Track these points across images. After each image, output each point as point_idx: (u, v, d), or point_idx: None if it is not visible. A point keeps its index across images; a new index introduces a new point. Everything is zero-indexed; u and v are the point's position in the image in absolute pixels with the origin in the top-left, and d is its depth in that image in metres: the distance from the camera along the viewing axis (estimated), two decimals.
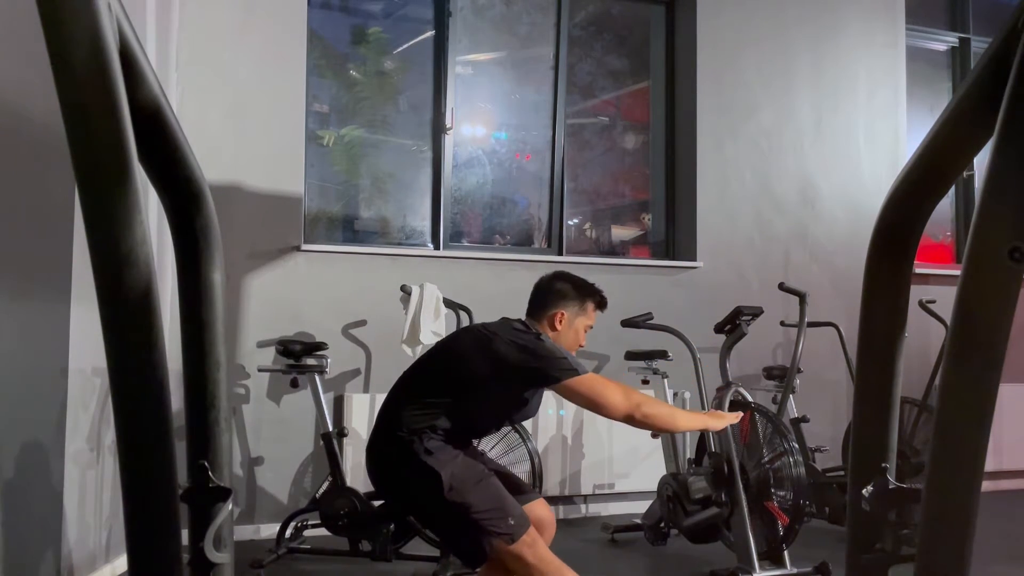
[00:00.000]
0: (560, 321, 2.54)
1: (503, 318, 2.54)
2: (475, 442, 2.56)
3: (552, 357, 2.33)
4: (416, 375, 2.45)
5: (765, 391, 4.34)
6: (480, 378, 2.34)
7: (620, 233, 5.17)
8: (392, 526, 3.33)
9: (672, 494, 3.48)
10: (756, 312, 3.44)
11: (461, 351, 2.42)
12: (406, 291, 3.80)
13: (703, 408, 3.63)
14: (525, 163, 4.92)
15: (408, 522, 3.44)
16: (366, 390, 4.11)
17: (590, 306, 2.60)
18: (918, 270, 5.01)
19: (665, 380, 3.85)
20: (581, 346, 2.62)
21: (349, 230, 4.51)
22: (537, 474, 3.84)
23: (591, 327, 2.64)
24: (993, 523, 4.04)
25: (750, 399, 3.49)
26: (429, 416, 2.30)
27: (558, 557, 2.28)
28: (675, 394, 4.03)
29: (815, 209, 5.07)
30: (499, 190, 4.85)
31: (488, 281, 4.30)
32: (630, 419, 2.35)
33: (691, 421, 2.59)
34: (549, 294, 2.58)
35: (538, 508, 2.44)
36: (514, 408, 2.47)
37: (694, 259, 4.76)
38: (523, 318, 2.56)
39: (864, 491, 1.00)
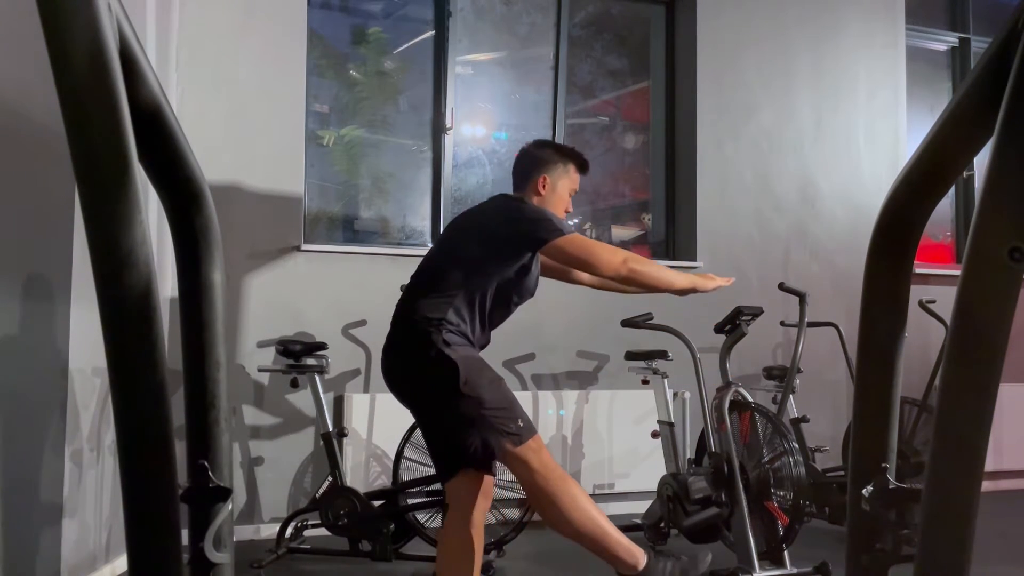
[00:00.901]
0: (543, 185, 2.60)
1: (492, 197, 2.62)
2: (489, 336, 2.57)
3: (536, 219, 2.38)
4: (424, 269, 2.50)
5: (765, 391, 4.33)
6: (476, 256, 2.39)
7: (620, 233, 5.17)
8: (392, 526, 3.33)
9: (672, 494, 3.48)
10: (756, 312, 3.44)
11: (454, 236, 2.50)
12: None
13: (704, 409, 3.63)
14: None
15: (408, 522, 3.44)
16: (366, 390, 4.11)
17: (572, 167, 2.65)
18: (918, 270, 5.01)
19: (665, 380, 3.85)
20: (568, 212, 2.67)
21: (349, 230, 4.51)
22: None
23: (575, 191, 2.68)
24: (993, 523, 4.04)
25: (750, 399, 3.49)
26: (442, 305, 2.34)
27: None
28: (675, 394, 4.02)
29: (815, 209, 5.07)
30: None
31: None
32: (619, 274, 2.40)
33: (680, 279, 2.58)
34: (531, 161, 2.64)
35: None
36: (515, 282, 2.48)
37: (694, 259, 4.76)
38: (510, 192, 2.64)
39: (864, 491, 1.00)
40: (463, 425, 2.30)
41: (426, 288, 2.41)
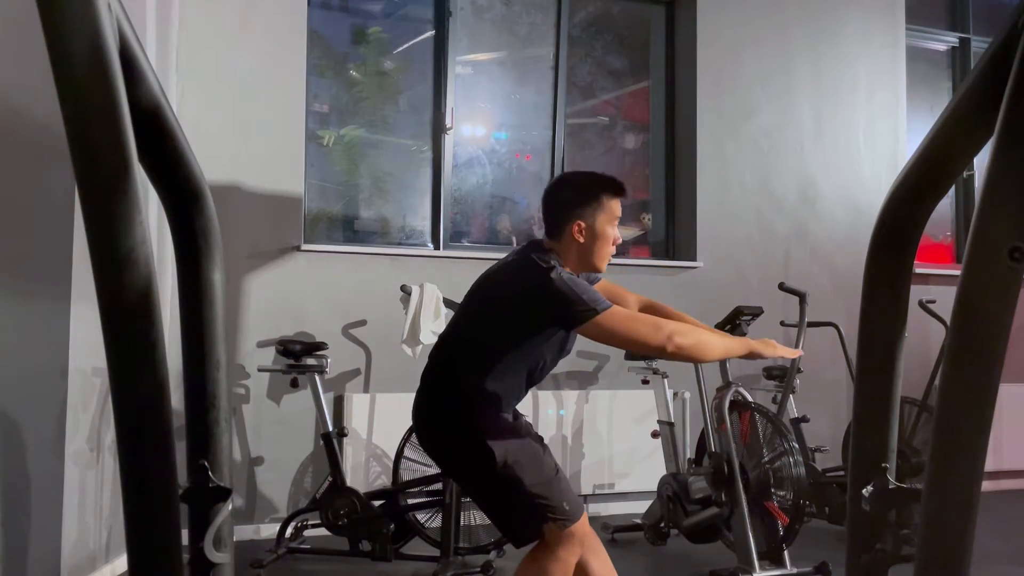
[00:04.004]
0: (580, 233, 2.26)
1: (521, 250, 2.31)
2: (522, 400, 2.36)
3: (567, 299, 2.09)
4: (454, 340, 2.30)
5: (765, 391, 4.33)
6: (509, 332, 2.19)
7: (620, 233, 5.16)
8: (392, 526, 3.33)
9: (672, 494, 3.48)
10: (756, 312, 3.44)
11: (483, 307, 2.27)
12: (406, 291, 3.79)
13: (704, 409, 3.63)
14: (525, 163, 4.92)
15: (408, 522, 3.44)
16: (366, 390, 4.11)
17: (605, 199, 2.28)
18: (918, 270, 5.01)
19: (665, 380, 3.85)
20: (617, 242, 2.33)
21: (349, 230, 4.51)
22: None
23: (618, 218, 2.33)
24: (993, 523, 4.04)
25: (750, 399, 3.49)
26: (477, 383, 2.17)
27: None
28: (675, 394, 4.02)
29: (815, 209, 5.07)
30: (499, 190, 4.85)
31: None
32: (663, 352, 2.13)
33: (734, 347, 2.27)
34: (558, 208, 2.31)
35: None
36: (555, 346, 2.28)
37: (694, 259, 4.76)
38: (543, 241, 2.33)
39: (864, 491, 1.00)
40: (503, 507, 2.18)
41: (458, 362, 2.23)
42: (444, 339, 2.34)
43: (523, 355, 2.21)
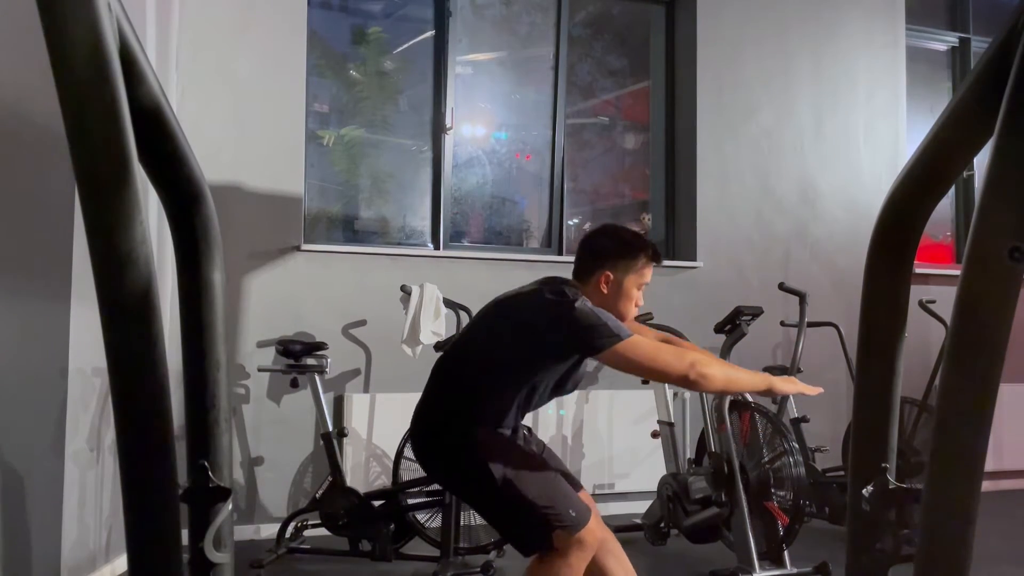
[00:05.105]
0: (606, 284, 2.27)
1: (543, 281, 2.30)
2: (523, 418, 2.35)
3: (589, 325, 2.09)
4: (462, 358, 2.28)
5: None
6: (522, 357, 2.17)
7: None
8: (392, 526, 3.33)
9: (672, 494, 3.48)
10: (756, 312, 3.44)
11: (496, 329, 2.24)
12: (406, 291, 3.80)
13: (704, 409, 3.63)
14: (525, 163, 4.92)
15: (408, 522, 3.44)
16: (366, 390, 4.11)
17: (640, 262, 2.29)
18: (918, 270, 5.01)
19: None
20: (638, 306, 2.34)
21: (349, 230, 4.51)
22: None
23: (646, 285, 2.33)
24: (993, 523, 4.04)
25: (750, 399, 3.49)
26: (477, 401, 2.17)
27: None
28: (675, 394, 4.02)
29: (815, 209, 5.07)
30: (499, 190, 4.85)
31: (488, 281, 4.29)
32: (686, 382, 2.12)
33: (752, 382, 2.25)
34: (593, 254, 2.31)
35: (586, 498, 2.28)
36: (568, 376, 2.28)
37: (694, 259, 4.76)
38: (570, 279, 2.32)
39: (864, 491, 1.00)
40: (510, 518, 2.16)
41: (461, 381, 2.23)
42: (450, 357, 2.31)
43: (529, 382, 2.20)
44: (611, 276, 2.27)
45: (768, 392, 2.28)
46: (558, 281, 2.27)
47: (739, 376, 2.23)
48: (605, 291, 2.27)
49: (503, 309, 2.28)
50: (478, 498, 2.22)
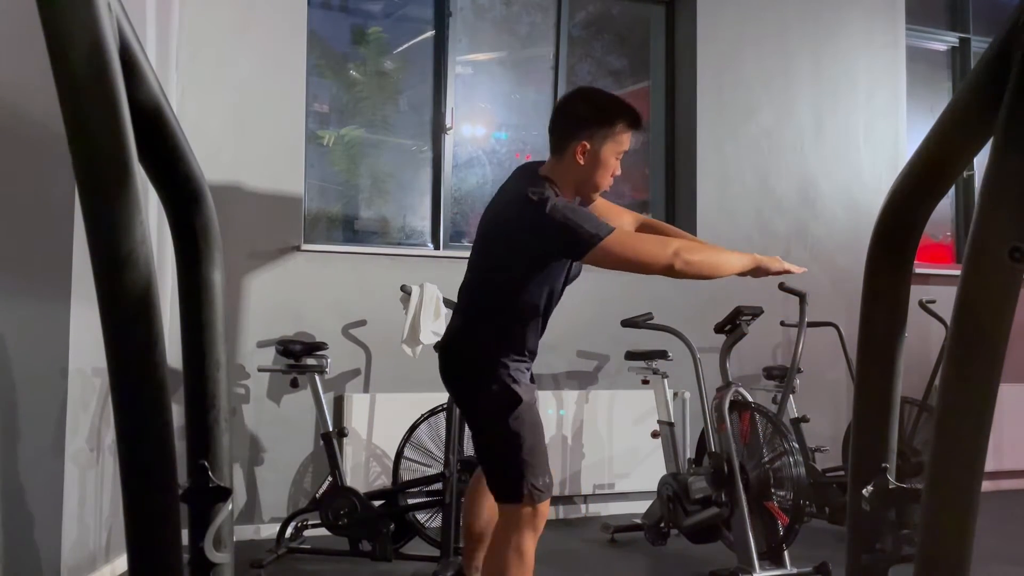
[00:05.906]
0: (583, 154, 2.17)
1: (516, 180, 2.26)
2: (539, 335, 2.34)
3: (567, 228, 2.04)
4: (473, 284, 2.31)
5: (765, 391, 4.33)
6: (519, 274, 2.19)
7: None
8: (392, 526, 3.33)
9: (672, 494, 3.48)
10: (756, 312, 3.44)
11: (489, 248, 2.26)
12: (406, 291, 3.79)
13: (704, 409, 3.63)
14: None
15: (408, 522, 3.44)
16: (366, 390, 4.11)
17: (618, 128, 2.19)
18: (918, 270, 5.01)
19: (665, 380, 3.85)
20: (615, 174, 2.26)
21: (349, 230, 4.51)
22: None
23: (624, 151, 2.24)
24: (993, 523, 4.04)
25: (750, 399, 3.49)
26: (503, 329, 2.20)
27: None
28: (675, 394, 4.02)
29: (815, 209, 5.07)
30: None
31: None
32: (671, 270, 2.08)
33: (741, 263, 2.22)
34: (568, 122, 2.21)
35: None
36: (564, 272, 2.27)
37: None
38: (538, 168, 2.27)
39: (864, 491, 1.00)
40: (499, 457, 2.20)
41: (481, 307, 2.26)
42: (464, 285, 2.35)
43: (536, 288, 2.21)
44: (588, 146, 2.18)
45: (756, 270, 2.26)
46: (527, 173, 2.24)
47: (726, 259, 2.20)
48: (582, 162, 2.19)
49: (491, 227, 2.29)
50: (486, 422, 2.22)
